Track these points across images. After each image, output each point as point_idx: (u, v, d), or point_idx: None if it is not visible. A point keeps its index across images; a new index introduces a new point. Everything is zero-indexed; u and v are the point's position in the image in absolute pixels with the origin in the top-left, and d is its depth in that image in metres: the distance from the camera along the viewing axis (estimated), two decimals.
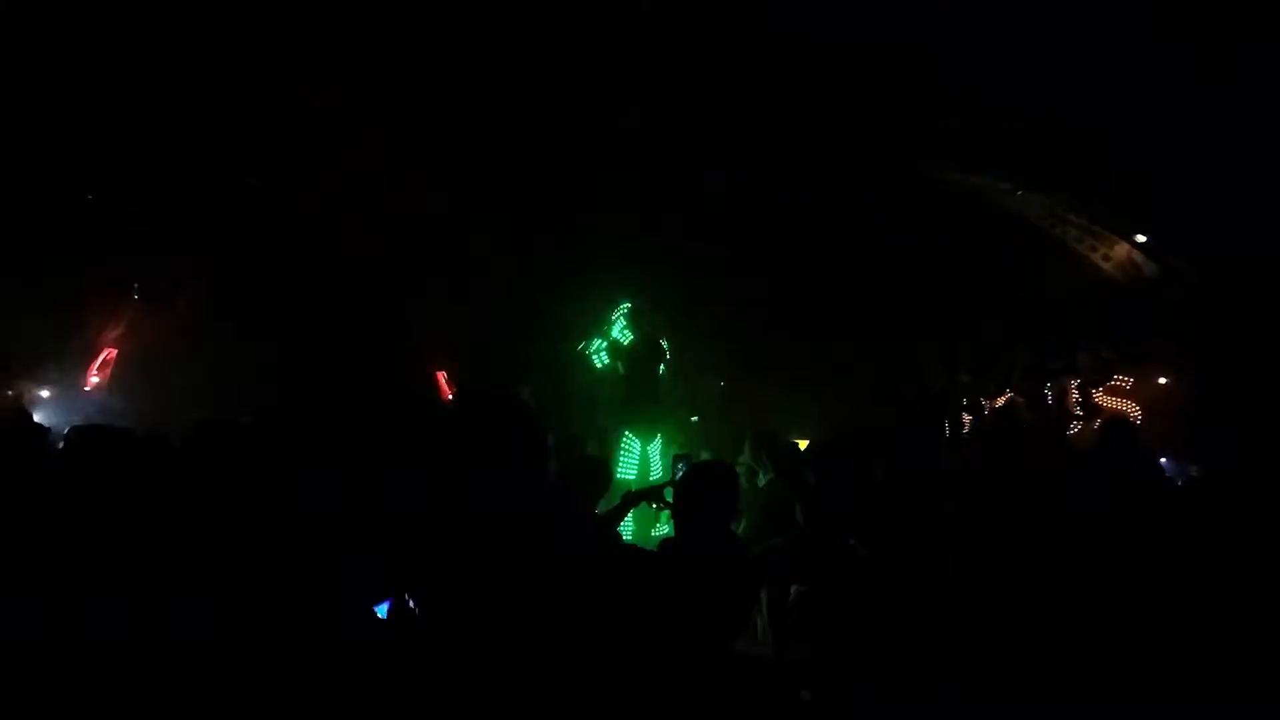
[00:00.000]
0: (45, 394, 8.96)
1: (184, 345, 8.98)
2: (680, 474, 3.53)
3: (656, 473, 5.73)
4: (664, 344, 6.27)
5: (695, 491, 2.50)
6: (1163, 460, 7.92)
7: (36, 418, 5.93)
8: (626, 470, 5.73)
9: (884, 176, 8.20)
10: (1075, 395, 8.63)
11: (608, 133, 7.58)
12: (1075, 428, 8.68)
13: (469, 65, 7.09)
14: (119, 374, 9.31)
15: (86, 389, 9.05)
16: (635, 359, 6.07)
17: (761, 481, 4.78)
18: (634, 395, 5.96)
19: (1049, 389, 8.70)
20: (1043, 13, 5.82)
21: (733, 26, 6.43)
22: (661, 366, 6.27)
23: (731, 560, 2.50)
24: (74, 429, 2.81)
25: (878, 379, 9.00)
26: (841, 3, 6.06)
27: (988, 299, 8.67)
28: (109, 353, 9.38)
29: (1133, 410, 8.61)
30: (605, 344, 6.30)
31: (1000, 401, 8.86)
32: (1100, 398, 8.71)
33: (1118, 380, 8.74)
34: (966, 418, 8.84)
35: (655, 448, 6.04)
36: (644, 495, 3.20)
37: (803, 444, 6.63)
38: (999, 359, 8.90)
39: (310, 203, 8.60)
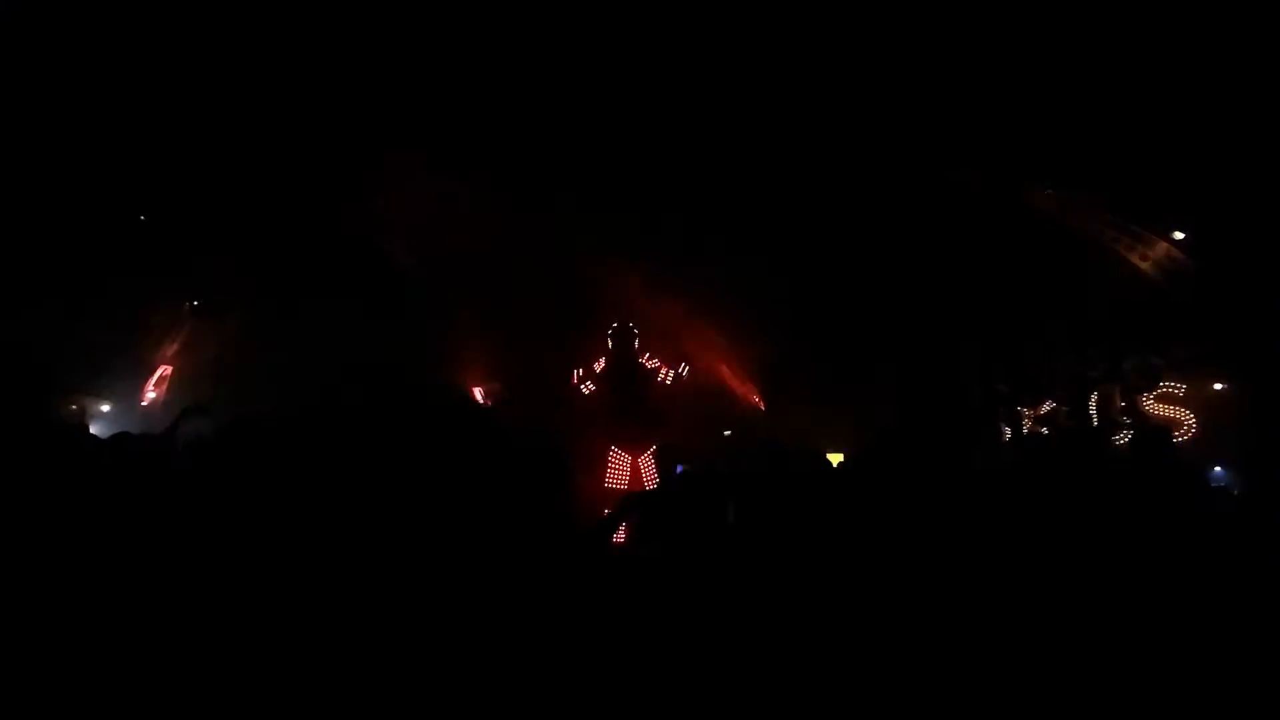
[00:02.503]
0: (105, 409, 9.47)
1: (235, 360, 9.40)
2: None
3: (650, 483, 5.76)
4: (656, 362, 6.37)
5: (685, 497, 2.51)
6: (1217, 469, 7.56)
7: (94, 430, 6.29)
8: (615, 481, 5.78)
9: (915, 182, 8.11)
10: (1120, 403, 8.30)
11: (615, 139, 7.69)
12: (1123, 437, 8.34)
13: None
14: (175, 389, 9.79)
15: (144, 403, 9.54)
16: (625, 377, 6.20)
17: None
18: (622, 410, 6.09)
19: (1093, 397, 8.39)
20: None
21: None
22: (649, 385, 6.37)
23: (724, 570, 2.50)
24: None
25: (912, 391, 8.83)
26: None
27: (1024, 305, 8.45)
28: (165, 369, 9.87)
29: (1186, 418, 8.24)
30: (599, 363, 6.42)
31: (1041, 411, 8.59)
32: (1150, 405, 8.37)
33: (1168, 387, 8.38)
34: (1006, 429, 8.59)
35: (646, 460, 6.09)
36: (639, 502, 3.21)
37: (835, 459, 6.56)
38: (1037, 368, 8.65)
39: (353, 223, 8.98)
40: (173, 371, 9.85)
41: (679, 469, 4.73)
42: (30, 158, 6.93)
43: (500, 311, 9.33)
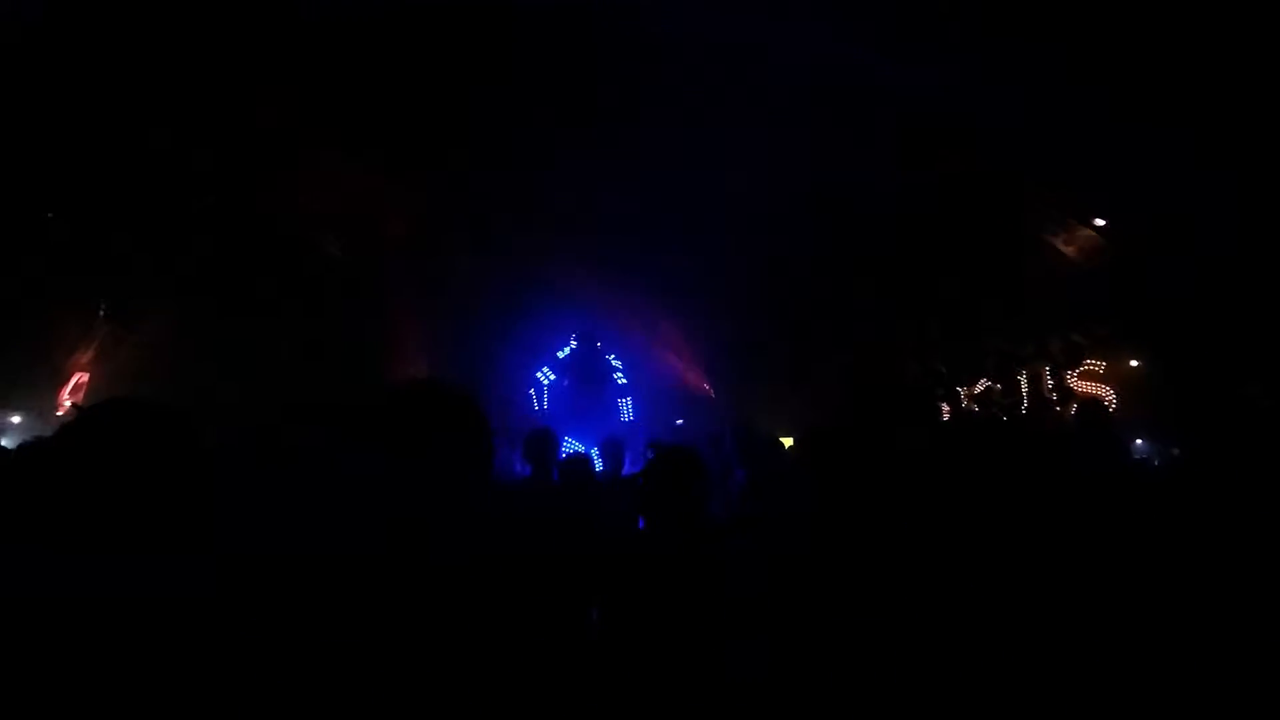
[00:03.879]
0: (16, 419, 8.83)
1: (155, 366, 8.88)
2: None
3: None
4: (612, 359, 6.44)
5: (658, 476, 2.50)
6: (1138, 441, 8.06)
7: (4, 443, 5.86)
8: None
9: (844, 170, 8.27)
10: (1049, 381, 8.74)
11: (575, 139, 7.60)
12: (1053, 412, 8.79)
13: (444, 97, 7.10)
14: (90, 398, 9.18)
15: (59, 413, 8.92)
16: (581, 373, 6.27)
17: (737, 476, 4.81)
18: (579, 404, 6.17)
19: (1022, 376, 8.81)
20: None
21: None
22: (613, 380, 6.44)
23: (703, 550, 2.51)
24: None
25: (854, 374, 9.07)
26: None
27: (959, 287, 8.76)
28: (80, 376, 9.26)
29: (1107, 394, 8.73)
30: (555, 361, 6.46)
31: (976, 390, 8.96)
32: (1074, 382, 8.83)
33: (1090, 364, 8.86)
34: (945, 407, 8.92)
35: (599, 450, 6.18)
36: (620, 484, 3.21)
37: (787, 442, 6.69)
38: (971, 348, 9.00)
39: (283, 224, 8.58)
40: (89, 379, 9.24)
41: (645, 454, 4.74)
42: None
43: (439, 305, 9.11)
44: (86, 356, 9.36)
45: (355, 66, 6.74)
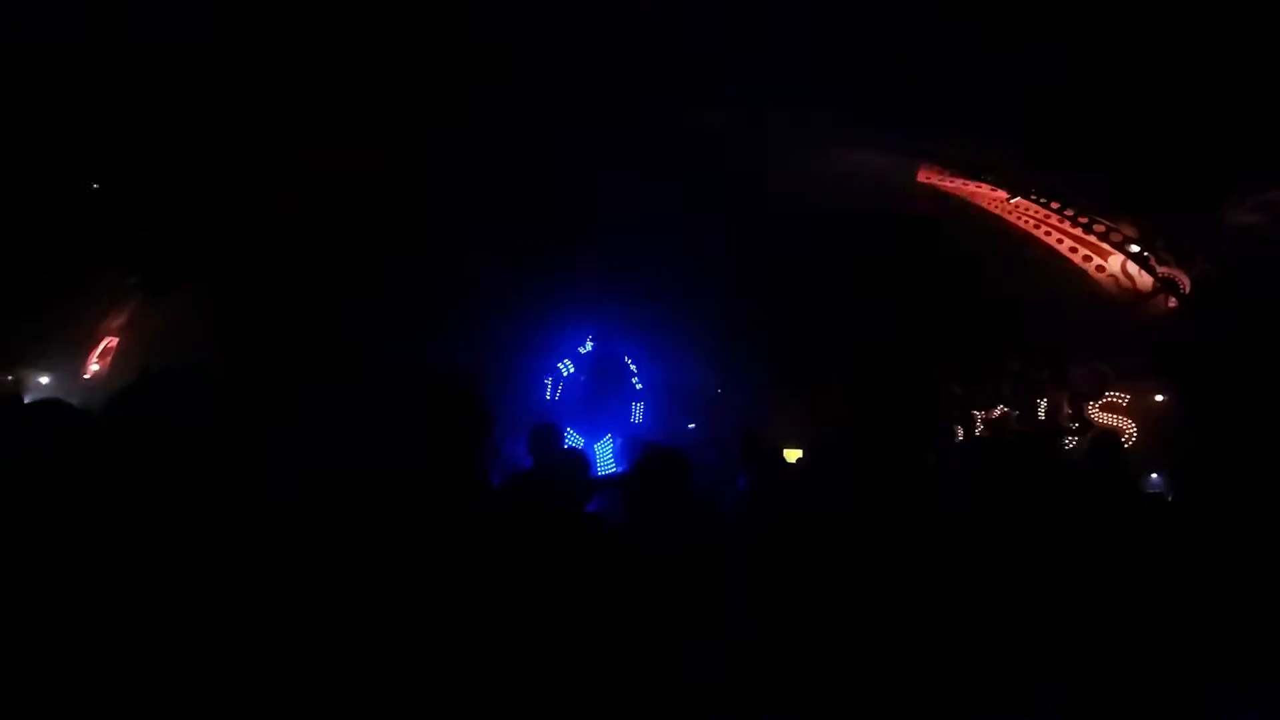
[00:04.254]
0: (45, 380, 9.11)
1: (187, 332, 9.10)
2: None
3: (608, 467, 5.90)
4: (627, 360, 6.51)
5: (641, 472, 2.51)
6: (1153, 476, 7.85)
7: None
8: None
9: (868, 184, 8.19)
10: (1068, 409, 8.55)
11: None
12: (1071, 443, 8.60)
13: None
14: (119, 362, 9.45)
15: (86, 376, 9.19)
16: (598, 372, 6.33)
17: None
18: (590, 402, 6.21)
19: (1041, 402, 8.63)
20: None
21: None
22: (628, 382, 6.50)
23: (686, 546, 2.51)
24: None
25: (865, 388, 8.96)
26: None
27: (977, 310, 8.63)
28: (110, 341, 9.53)
29: (1127, 426, 8.52)
30: (576, 355, 6.53)
31: (994, 414, 8.80)
32: (1094, 412, 8.63)
33: (1113, 396, 8.65)
34: (958, 430, 8.78)
35: (605, 445, 6.20)
36: (604, 483, 3.23)
37: (791, 455, 6.65)
38: (988, 371, 8.84)
39: (317, 196, 8.73)
40: (118, 344, 9.51)
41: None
42: None
43: (464, 292, 9.21)
44: (118, 322, 9.63)
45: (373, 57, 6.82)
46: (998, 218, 8.65)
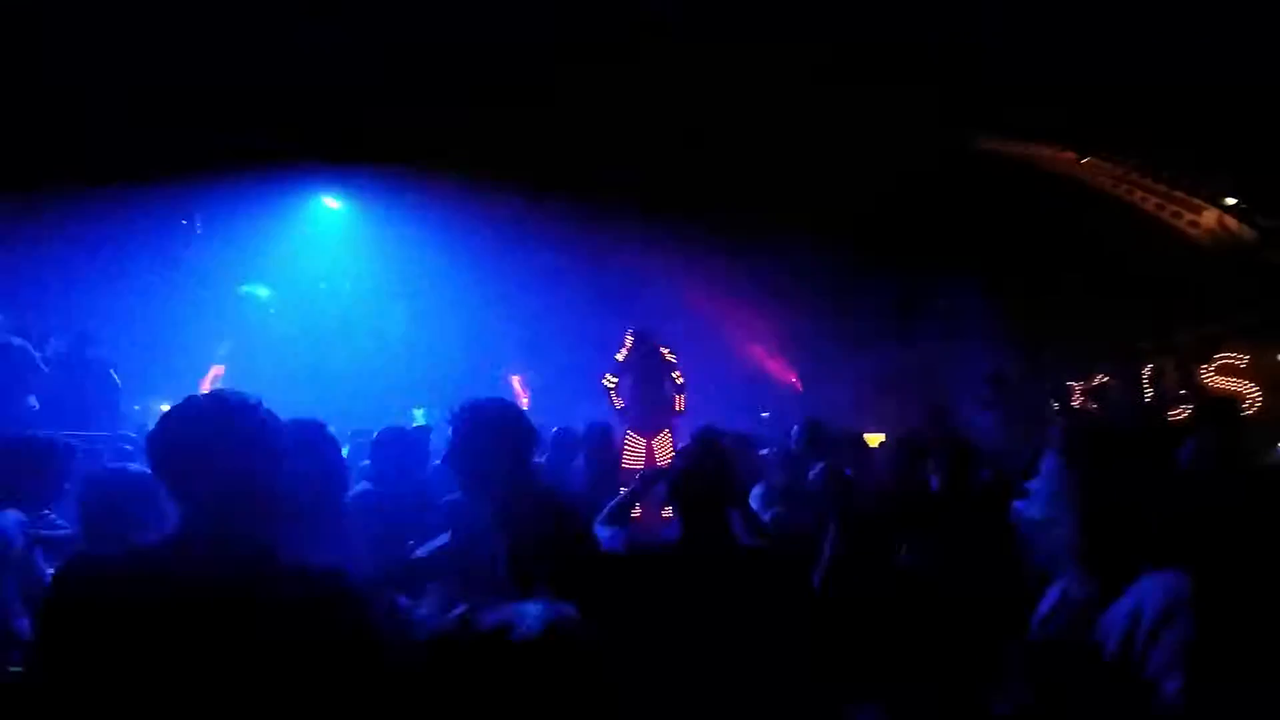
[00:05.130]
0: (165, 408, 9.95)
1: (281, 359, 9.76)
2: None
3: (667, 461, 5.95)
4: (667, 353, 6.52)
5: (689, 466, 2.49)
6: None
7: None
8: (631, 461, 5.96)
9: (940, 153, 7.82)
10: (1175, 376, 7.91)
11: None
12: (1181, 412, 7.98)
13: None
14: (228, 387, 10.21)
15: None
16: (638, 373, 6.38)
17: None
18: (639, 403, 6.27)
19: (1146, 370, 8.02)
20: None
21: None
22: (668, 377, 6.53)
23: (747, 552, 2.49)
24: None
25: (951, 368, 8.59)
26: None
27: (1065, 278, 8.10)
28: (217, 369, 10.30)
29: (1250, 390, 7.82)
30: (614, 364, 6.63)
31: (1092, 384, 8.25)
32: (1208, 377, 7.96)
33: (1229, 358, 7.95)
34: (1053, 404, 8.28)
35: (663, 441, 6.22)
36: (657, 477, 3.24)
37: (873, 440, 6.45)
38: (1085, 339, 8.29)
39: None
40: (224, 371, 10.26)
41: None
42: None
43: (537, 302, 9.48)
44: (224, 349, 10.41)
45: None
46: (1071, 179, 8.12)
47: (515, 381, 9.42)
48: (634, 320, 6.71)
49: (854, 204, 8.15)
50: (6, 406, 5.99)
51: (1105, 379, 8.26)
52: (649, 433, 6.12)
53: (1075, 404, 8.15)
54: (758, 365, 10.35)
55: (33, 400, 6.50)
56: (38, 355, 6.57)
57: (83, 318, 7.49)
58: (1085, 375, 8.36)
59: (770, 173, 8.06)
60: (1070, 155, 7.91)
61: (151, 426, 1.65)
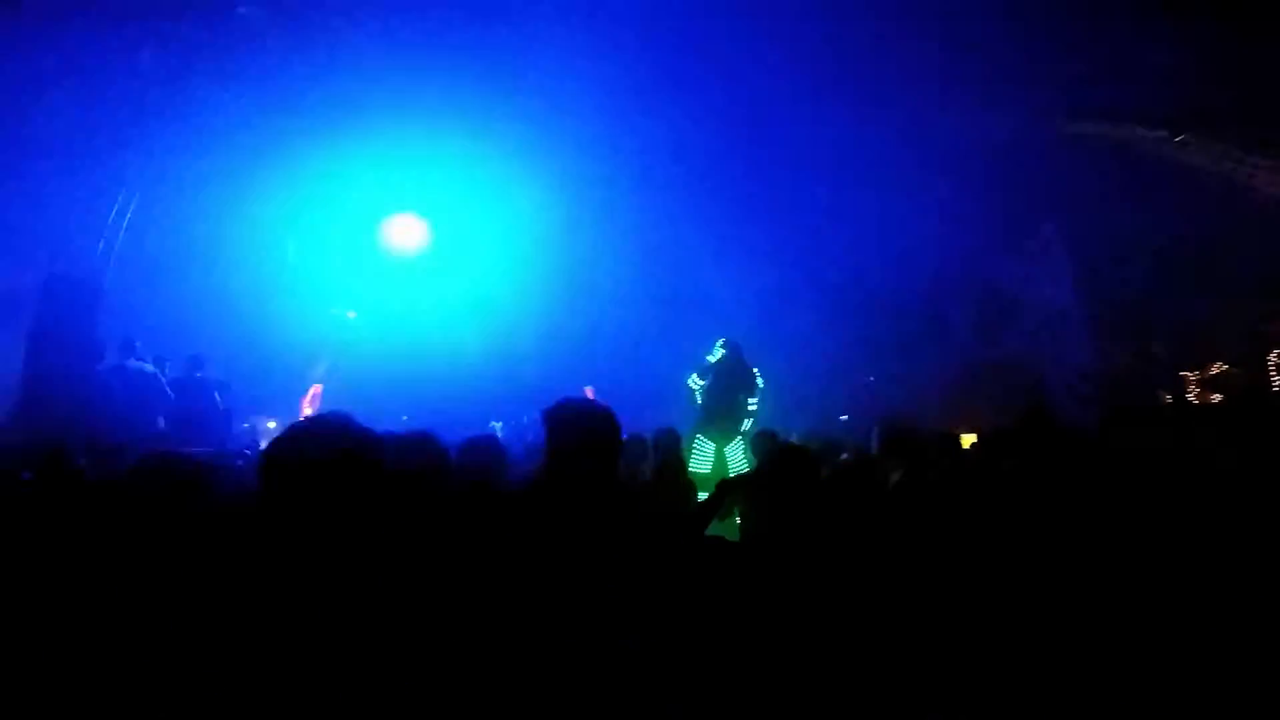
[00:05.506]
0: (272, 425, 10.63)
1: (372, 375, 10.26)
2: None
3: (738, 469, 5.85)
4: (755, 370, 6.47)
5: (770, 474, 2.46)
6: None
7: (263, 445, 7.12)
8: (699, 466, 5.90)
9: (1038, 142, 7.39)
10: None
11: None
12: None
13: None
14: (325, 406, 10.82)
15: (301, 420, 10.61)
16: (723, 380, 6.33)
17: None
18: (717, 409, 6.21)
19: (1272, 355, 7.28)
20: None
21: None
22: (750, 388, 6.46)
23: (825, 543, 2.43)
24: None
25: (1048, 362, 8.06)
26: None
27: (1172, 261, 7.46)
28: (316, 387, 10.93)
29: None
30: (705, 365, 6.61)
31: (1210, 373, 7.55)
32: None
33: None
34: (1165, 396, 7.64)
35: (734, 448, 6.12)
36: (738, 483, 3.19)
37: (967, 440, 6.11)
38: (1198, 326, 7.60)
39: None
40: (322, 390, 10.87)
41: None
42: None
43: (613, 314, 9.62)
44: (321, 368, 11.04)
45: None
46: (1165, 159, 7.49)
47: (588, 392, 9.54)
48: (712, 327, 6.73)
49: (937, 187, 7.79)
50: (142, 427, 6.58)
51: (1224, 367, 7.55)
52: (721, 439, 6.08)
53: (1191, 395, 7.49)
54: (832, 364, 10.06)
55: (160, 421, 7.14)
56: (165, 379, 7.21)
57: (193, 343, 8.11)
58: (1201, 365, 7.67)
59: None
60: (1159, 134, 7.34)
61: (263, 444, 1.76)
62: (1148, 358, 7.81)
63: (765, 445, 4.54)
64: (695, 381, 6.45)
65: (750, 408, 6.36)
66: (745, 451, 5.97)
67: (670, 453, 4.27)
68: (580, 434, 2.20)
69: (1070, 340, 7.72)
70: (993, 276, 8.61)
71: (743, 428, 6.27)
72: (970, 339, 8.56)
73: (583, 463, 2.18)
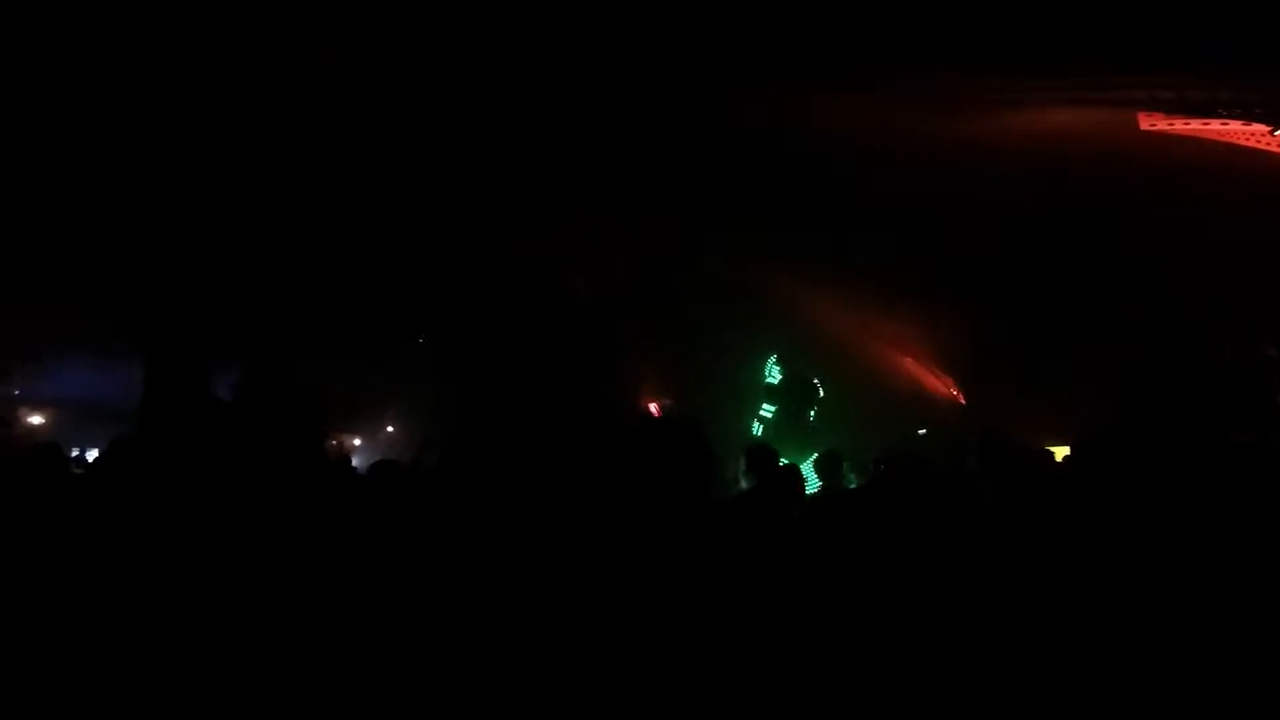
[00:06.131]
0: (357, 443, 11.22)
1: (448, 394, 10.63)
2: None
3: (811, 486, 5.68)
4: (815, 381, 6.28)
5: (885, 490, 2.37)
6: None
7: (355, 461, 7.48)
8: None
9: (1110, 137, 6.93)
10: None
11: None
12: None
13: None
14: (404, 423, 11.32)
15: (380, 437, 11.15)
16: (786, 397, 6.20)
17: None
18: (785, 428, 6.07)
19: None
20: None
21: None
22: (812, 403, 6.28)
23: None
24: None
25: (1150, 366, 7.45)
26: None
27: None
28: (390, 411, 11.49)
29: None
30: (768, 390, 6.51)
31: None
32: None
33: None
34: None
35: (807, 466, 5.97)
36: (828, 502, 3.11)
37: (1059, 452, 5.72)
38: None
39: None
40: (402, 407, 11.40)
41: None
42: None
43: (668, 329, 9.59)
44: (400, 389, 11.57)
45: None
46: (1257, 156, 6.87)
47: (653, 409, 9.54)
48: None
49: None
50: None
51: None
52: (795, 458, 5.94)
53: None
54: (910, 378, 9.64)
55: None
56: None
57: None
58: None
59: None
60: (1259, 128, 6.76)
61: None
62: (1263, 361, 7.10)
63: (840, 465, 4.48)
64: (766, 411, 6.37)
65: (810, 423, 6.22)
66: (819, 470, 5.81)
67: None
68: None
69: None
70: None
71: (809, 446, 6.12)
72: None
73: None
